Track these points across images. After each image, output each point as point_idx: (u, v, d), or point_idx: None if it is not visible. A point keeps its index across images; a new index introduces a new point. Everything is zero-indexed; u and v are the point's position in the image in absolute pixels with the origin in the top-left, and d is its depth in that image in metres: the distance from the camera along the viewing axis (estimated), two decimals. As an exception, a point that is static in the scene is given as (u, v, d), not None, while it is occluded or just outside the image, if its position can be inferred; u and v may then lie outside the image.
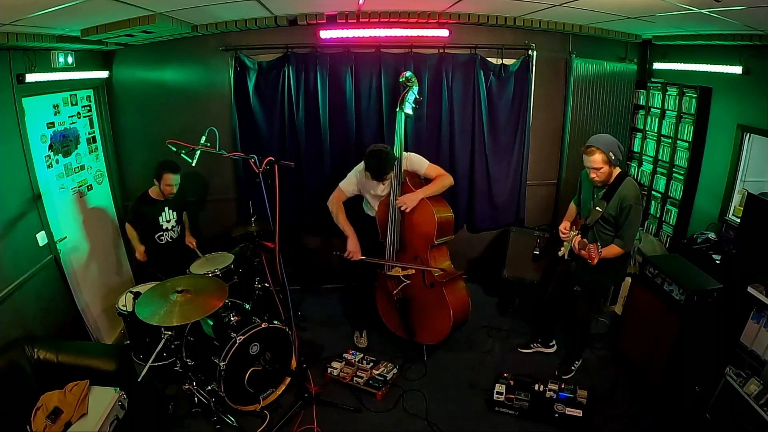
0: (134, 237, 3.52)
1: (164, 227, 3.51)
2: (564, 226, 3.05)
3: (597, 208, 2.81)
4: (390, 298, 3.49)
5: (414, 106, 3.29)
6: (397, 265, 3.34)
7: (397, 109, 3.24)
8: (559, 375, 3.30)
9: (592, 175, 2.75)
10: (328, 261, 4.49)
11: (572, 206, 3.23)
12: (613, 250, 2.77)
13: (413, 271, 3.31)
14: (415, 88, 3.26)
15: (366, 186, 3.36)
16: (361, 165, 3.31)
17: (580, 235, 2.92)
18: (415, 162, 3.31)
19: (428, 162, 3.34)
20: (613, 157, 2.68)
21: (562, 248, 3.12)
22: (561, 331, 3.62)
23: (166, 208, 3.50)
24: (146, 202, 3.45)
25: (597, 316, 3.80)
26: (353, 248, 3.31)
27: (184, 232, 3.70)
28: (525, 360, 3.54)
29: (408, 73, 3.27)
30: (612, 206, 2.76)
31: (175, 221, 3.57)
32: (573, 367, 3.36)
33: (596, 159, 2.67)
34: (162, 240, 3.52)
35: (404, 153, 3.27)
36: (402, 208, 3.18)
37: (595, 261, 2.67)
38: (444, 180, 3.27)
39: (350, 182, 3.38)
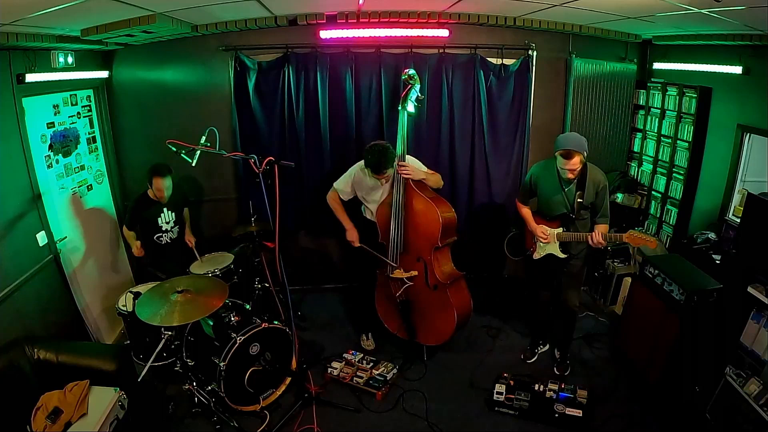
0: (130, 236, 3.52)
1: (163, 228, 3.51)
2: (542, 230, 3.09)
3: (578, 199, 2.93)
4: (391, 299, 3.48)
5: (416, 104, 3.24)
6: (396, 266, 3.33)
7: (399, 108, 3.19)
8: (562, 374, 3.32)
9: (569, 175, 2.87)
10: (328, 261, 4.49)
11: (527, 209, 3.23)
12: (605, 229, 2.97)
13: (416, 272, 3.29)
14: (417, 86, 3.22)
15: (362, 186, 3.31)
16: (357, 165, 3.28)
17: (562, 229, 3.03)
18: (417, 165, 3.30)
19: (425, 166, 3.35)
20: (586, 155, 2.83)
21: (538, 250, 3.16)
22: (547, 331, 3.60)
23: (165, 209, 3.49)
24: (144, 204, 3.44)
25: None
26: (352, 237, 3.35)
27: (183, 231, 3.69)
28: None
29: (411, 71, 3.24)
30: (589, 193, 2.93)
31: (174, 221, 3.57)
32: (568, 362, 3.39)
33: (576, 161, 2.80)
34: (162, 240, 3.52)
35: (407, 156, 3.24)
36: (404, 174, 3.12)
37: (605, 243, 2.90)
38: (439, 177, 3.36)
39: (344, 183, 3.34)
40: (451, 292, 3.27)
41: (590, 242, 2.89)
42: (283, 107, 3.92)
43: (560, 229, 3.04)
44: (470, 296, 3.46)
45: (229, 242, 3.86)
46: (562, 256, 3.07)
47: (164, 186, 3.34)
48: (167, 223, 3.52)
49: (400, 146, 3.19)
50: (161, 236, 3.51)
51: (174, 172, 3.43)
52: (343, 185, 3.35)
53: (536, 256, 3.19)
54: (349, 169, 3.36)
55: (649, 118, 4.27)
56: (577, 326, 3.74)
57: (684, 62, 3.80)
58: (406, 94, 3.18)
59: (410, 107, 3.20)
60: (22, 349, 2.56)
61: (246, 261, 3.74)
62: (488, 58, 3.97)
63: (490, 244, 4.54)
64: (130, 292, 3.12)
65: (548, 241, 3.08)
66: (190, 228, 3.81)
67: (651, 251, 3.90)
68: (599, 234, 2.86)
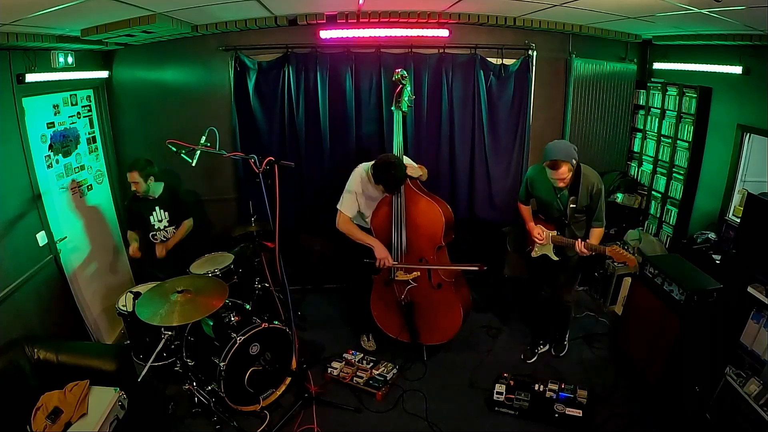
0: (132, 237, 3.55)
1: (156, 227, 3.50)
2: (538, 231, 3.10)
3: (571, 205, 2.92)
4: (390, 305, 3.44)
5: (409, 104, 3.21)
6: (426, 267, 3.25)
7: (393, 108, 3.16)
8: (557, 354, 3.38)
9: (560, 184, 2.84)
10: (328, 261, 4.49)
11: (527, 208, 3.24)
12: (599, 233, 2.97)
13: (419, 273, 3.27)
14: (409, 86, 3.19)
15: (366, 195, 3.24)
16: (358, 176, 3.19)
17: (556, 232, 3.05)
18: (409, 163, 3.28)
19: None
20: (575, 162, 2.77)
21: (536, 249, 3.17)
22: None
23: (157, 207, 3.49)
24: (134, 202, 3.49)
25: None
26: (384, 254, 3.15)
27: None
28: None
29: (403, 71, 3.17)
30: (583, 197, 2.90)
31: (168, 221, 3.56)
32: (566, 342, 3.45)
33: (563, 170, 2.76)
34: (156, 239, 3.52)
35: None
36: (408, 172, 3.09)
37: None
38: (425, 169, 3.32)
39: (351, 203, 3.19)
40: (455, 289, 3.28)
41: (576, 249, 2.89)
42: (283, 107, 3.92)
43: (554, 232, 3.06)
44: (469, 290, 3.51)
45: (229, 242, 3.86)
46: (555, 258, 3.10)
47: (136, 179, 3.32)
48: (160, 221, 3.52)
49: (397, 147, 3.17)
50: (155, 234, 3.51)
51: (162, 173, 3.43)
52: (349, 207, 3.20)
53: (534, 254, 3.20)
54: (349, 184, 3.20)
55: (649, 118, 4.27)
56: (577, 326, 3.77)
57: (684, 62, 3.80)
58: (400, 95, 3.15)
59: (404, 107, 3.18)
60: (22, 349, 2.56)
61: (246, 261, 3.74)
62: (488, 58, 3.98)
63: (490, 243, 4.55)
64: (130, 292, 3.11)
65: (544, 242, 3.09)
66: (179, 239, 3.55)
67: (651, 251, 3.90)
68: (582, 244, 2.86)
